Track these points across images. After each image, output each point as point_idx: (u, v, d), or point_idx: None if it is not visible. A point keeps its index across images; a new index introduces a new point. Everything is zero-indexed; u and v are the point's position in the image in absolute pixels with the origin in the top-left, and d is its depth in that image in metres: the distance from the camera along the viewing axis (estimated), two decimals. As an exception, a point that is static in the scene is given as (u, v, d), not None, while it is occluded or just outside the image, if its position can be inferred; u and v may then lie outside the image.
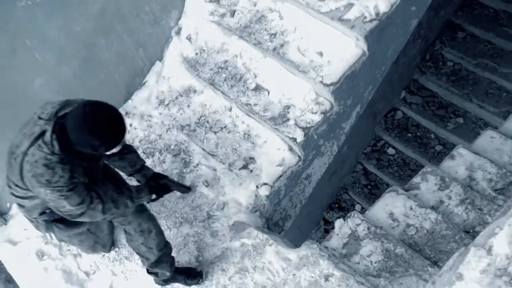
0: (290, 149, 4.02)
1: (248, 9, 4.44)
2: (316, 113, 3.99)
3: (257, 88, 4.20)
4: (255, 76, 4.25)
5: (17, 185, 2.89)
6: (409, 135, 6.49)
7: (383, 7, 3.92)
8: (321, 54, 4.04)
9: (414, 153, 6.40)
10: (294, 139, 3.92)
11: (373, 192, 6.53)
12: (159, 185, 3.53)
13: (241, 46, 4.34)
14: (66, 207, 2.84)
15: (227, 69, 4.37)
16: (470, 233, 4.00)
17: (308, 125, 3.96)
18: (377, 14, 3.92)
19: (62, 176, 2.71)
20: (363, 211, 6.55)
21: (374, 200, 6.46)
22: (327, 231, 6.61)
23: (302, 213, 4.77)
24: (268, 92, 4.16)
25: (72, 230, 3.28)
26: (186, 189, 3.76)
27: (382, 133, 6.60)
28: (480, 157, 4.42)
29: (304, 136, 3.92)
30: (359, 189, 6.60)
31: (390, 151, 6.56)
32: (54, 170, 2.70)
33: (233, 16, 4.44)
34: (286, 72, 4.11)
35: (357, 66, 3.94)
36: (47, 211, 3.08)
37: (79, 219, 2.96)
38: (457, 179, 4.32)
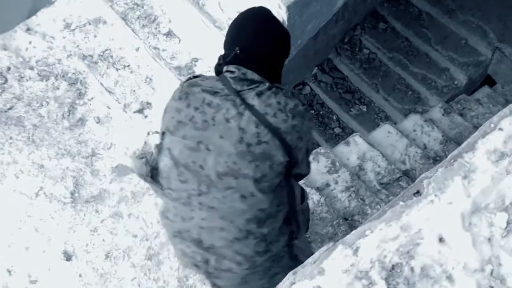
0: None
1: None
2: (223, 72, 3.89)
3: (169, 34, 4.06)
4: (170, 21, 4.11)
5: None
6: (312, 112, 6.51)
7: (312, -19, 3.85)
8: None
9: (313, 131, 6.43)
10: (196, 94, 3.82)
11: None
12: None
13: (162, -14, 4.18)
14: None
15: (142, 7, 4.19)
16: (348, 220, 4.06)
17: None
18: (304, -14, 3.85)
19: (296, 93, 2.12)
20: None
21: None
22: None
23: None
24: (179, 40, 4.03)
25: None
26: None
27: (287, 105, 6.58)
28: (373, 149, 4.48)
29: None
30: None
31: (291, 124, 6.56)
32: (292, 94, 2.19)
33: (160, -47, 4.25)
34: (201, 24, 3.98)
35: (274, 36, 3.86)
36: None
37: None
38: (347, 166, 4.36)
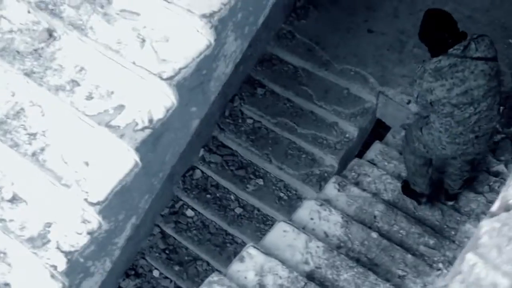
0: (52, 275, 3.44)
1: (5, 99, 3.77)
2: (81, 233, 3.43)
3: (14, 199, 3.57)
4: (12, 184, 3.62)
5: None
6: (209, 196, 6.13)
7: (158, 114, 3.45)
8: (87, 164, 3.49)
9: (214, 215, 6.05)
10: (55, 267, 3.35)
11: (171, 257, 6.11)
12: None
13: (-4, 145, 3.68)
14: None
15: (-25, 172, 3.68)
16: None
17: (72, 249, 3.39)
18: (150, 121, 3.44)
19: None
20: (161, 276, 6.15)
21: (172, 265, 6.07)
22: (123, 301, 6.14)
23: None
24: (27, 204, 3.55)
25: None
26: None
27: (181, 194, 6.18)
28: (271, 259, 4.12)
29: (67, 262, 3.36)
30: (157, 254, 6.15)
31: (189, 213, 6.17)
32: (484, 35, 3.87)
33: (-15, 107, 3.76)
34: (47, 183, 3.52)
35: (128, 180, 3.44)
36: None
37: None
38: (246, 287, 3.98)
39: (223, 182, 6.13)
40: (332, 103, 6.01)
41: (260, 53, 6.39)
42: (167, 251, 6.15)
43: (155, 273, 6.15)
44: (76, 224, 3.46)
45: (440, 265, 4.30)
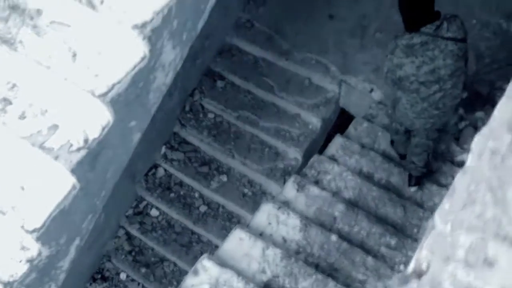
0: (-8, 307, 3.30)
1: None
2: (20, 262, 3.27)
3: None
4: None
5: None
6: (173, 194, 5.98)
7: (93, 133, 3.27)
8: (23, 188, 3.32)
9: (179, 214, 5.91)
10: (-6, 300, 3.21)
11: (138, 259, 5.97)
12: None
13: None
14: None
15: None
16: None
17: (11, 279, 3.24)
18: (85, 141, 3.26)
19: None
20: (128, 279, 6.03)
21: (139, 267, 5.94)
22: (90, 305, 6.01)
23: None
24: (-36, 232, 3.39)
25: None
26: None
27: (144, 193, 6.03)
28: (226, 270, 3.99)
29: (7, 293, 3.22)
30: (123, 256, 6.01)
31: (154, 212, 6.02)
32: (455, 17, 3.88)
33: None
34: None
35: (67, 203, 3.28)
36: None
37: None
38: (200, 302, 3.85)
39: (187, 180, 5.98)
40: (294, 94, 5.85)
41: (219, 43, 6.19)
42: (133, 253, 6.02)
43: (122, 276, 6.02)
44: (14, 252, 3.29)
45: (402, 267, 4.18)
